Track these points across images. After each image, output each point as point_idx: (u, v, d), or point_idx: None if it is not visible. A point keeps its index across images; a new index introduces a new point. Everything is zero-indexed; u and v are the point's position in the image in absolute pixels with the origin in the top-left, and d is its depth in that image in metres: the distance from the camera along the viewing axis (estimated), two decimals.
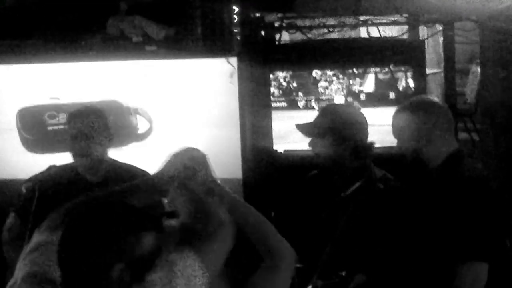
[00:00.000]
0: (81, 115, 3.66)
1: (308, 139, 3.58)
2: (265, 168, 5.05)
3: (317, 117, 3.61)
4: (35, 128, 5.02)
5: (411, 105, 3.33)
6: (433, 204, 3.13)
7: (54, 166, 3.69)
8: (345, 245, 3.47)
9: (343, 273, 3.38)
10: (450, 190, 3.09)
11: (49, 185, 3.72)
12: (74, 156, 3.67)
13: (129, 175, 3.76)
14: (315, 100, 5.08)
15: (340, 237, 3.49)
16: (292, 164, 4.96)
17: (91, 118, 3.65)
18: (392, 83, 4.97)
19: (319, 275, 3.39)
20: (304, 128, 3.63)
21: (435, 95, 7.06)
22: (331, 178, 3.64)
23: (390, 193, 3.44)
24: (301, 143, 5.08)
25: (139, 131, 4.98)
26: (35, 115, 5.00)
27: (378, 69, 4.97)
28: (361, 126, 3.56)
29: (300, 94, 5.10)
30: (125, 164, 3.90)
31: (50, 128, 4.91)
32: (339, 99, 5.04)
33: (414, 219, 3.21)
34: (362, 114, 3.72)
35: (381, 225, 3.40)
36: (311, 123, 3.58)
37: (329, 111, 3.67)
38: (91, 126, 3.63)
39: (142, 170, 3.86)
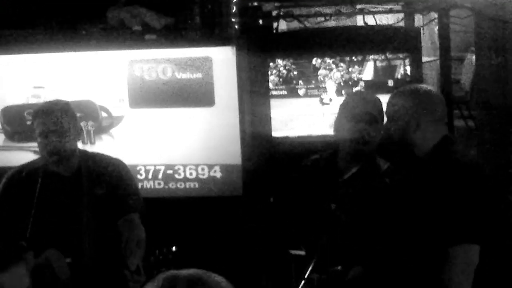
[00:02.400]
0: (49, 112, 3.64)
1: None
2: (264, 154, 5.10)
3: (373, 107, 3.65)
4: (16, 122, 5.13)
5: (406, 90, 3.41)
6: (425, 189, 3.19)
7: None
8: (342, 231, 3.53)
9: (339, 267, 3.45)
10: (440, 174, 3.14)
11: (21, 178, 3.78)
12: (45, 153, 3.67)
13: (101, 165, 3.82)
14: (315, 88, 5.13)
15: (337, 222, 3.55)
16: (290, 150, 5.02)
17: (59, 115, 3.63)
18: (390, 71, 5.02)
19: (316, 265, 3.45)
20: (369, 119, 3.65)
21: (431, 83, 7.12)
22: (334, 162, 3.71)
23: (396, 186, 3.50)
24: (299, 130, 5.17)
25: (103, 124, 5.07)
26: (16, 112, 5.12)
27: (376, 57, 5.02)
28: None
29: (300, 82, 5.14)
30: (97, 154, 3.93)
31: (28, 122, 4.98)
32: (332, 87, 5.09)
33: (409, 205, 3.27)
34: None
35: (380, 214, 3.48)
36: (370, 113, 3.62)
37: (375, 99, 3.74)
38: (61, 123, 3.62)
39: (117, 159, 3.93)
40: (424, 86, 3.65)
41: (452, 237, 3.04)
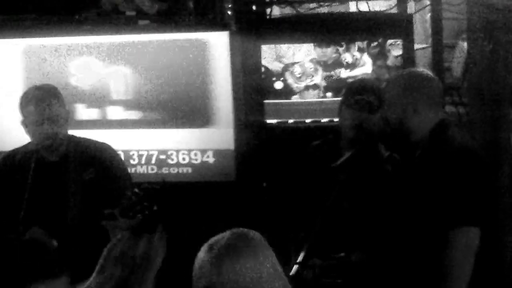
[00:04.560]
0: (42, 100, 3.60)
1: None
2: (257, 139, 5.12)
3: (370, 94, 3.62)
4: None
5: (401, 76, 3.41)
6: (423, 174, 3.20)
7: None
8: (336, 215, 3.55)
9: (342, 254, 3.46)
10: (437, 159, 3.15)
11: (13, 163, 3.77)
12: (37, 140, 3.65)
13: (89, 150, 3.79)
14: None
15: (330, 207, 3.56)
16: (284, 136, 5.04)
17: (53, 102, 3.60)
18: (382, 57, 5.02)
19: (309, 250, 3.46)
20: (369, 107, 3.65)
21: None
22: (337, 148, 3.73)
23: (397, 174, 3.52)
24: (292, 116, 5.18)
25: None
26: None
27: (368, 43, 5.02)
28: None
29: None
30: (84, 138, 3.88)
31: None
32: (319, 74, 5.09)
33: (408, 191, 3.28)
34: None
35: (380, 200, 3.50)
36: (367, 101, 3.63)
37: (372, 86, 3.73)
38: (54, 110, 3.59)
39: (105, 144, 3.90)
40: (419, 70, 3.65)
41: (452, 220, 3.05)
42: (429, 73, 3.46)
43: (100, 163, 3.77)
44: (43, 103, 3.58)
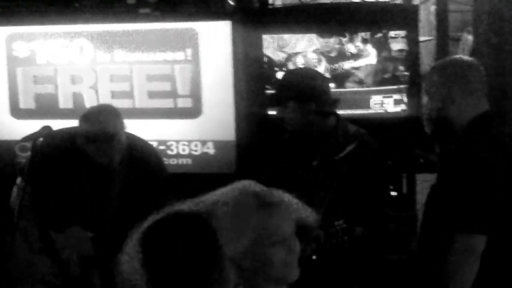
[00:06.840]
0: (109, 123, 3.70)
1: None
2: (258, 130, 5.06)
3: (277, 87, 3.80)
4: None
5: (440, 65, 3.32)
6: (448, 169, 3.13)
7: (48, 127, 3.69)
8: (337, 207, 3.51)
9: (341, 222, 3.41)
10: (458, 156, 3.07)
11: (50, 148, 3.80)
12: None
13: (141, 154, 3.88)
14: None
15: (332, 199, 3.53)
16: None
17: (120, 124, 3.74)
18: (386, 48, 4.95)
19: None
20: (269, 101, 3.77)
21: (426, 63, 7.08)
22: (304, 140, 3.73)
23: (363, 147, 3.50)
24: None
25: None
26: None
27: (372, 34, 4.95)
28: (320, 85, 3.68)
29: None
30: (141, 143, 3.95)
31: None
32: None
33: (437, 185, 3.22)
34: (320, 74, 3.88)
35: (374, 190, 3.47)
36: (273, 94, 3.70)
37: (286, 78, 3.84)
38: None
39: (154, 149, 4.10)
40: (461, 57, 3.55)
41: (456, 225, 2.98)
42: (473, 61, 3.33)
43: (148, 169, 3.85)
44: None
